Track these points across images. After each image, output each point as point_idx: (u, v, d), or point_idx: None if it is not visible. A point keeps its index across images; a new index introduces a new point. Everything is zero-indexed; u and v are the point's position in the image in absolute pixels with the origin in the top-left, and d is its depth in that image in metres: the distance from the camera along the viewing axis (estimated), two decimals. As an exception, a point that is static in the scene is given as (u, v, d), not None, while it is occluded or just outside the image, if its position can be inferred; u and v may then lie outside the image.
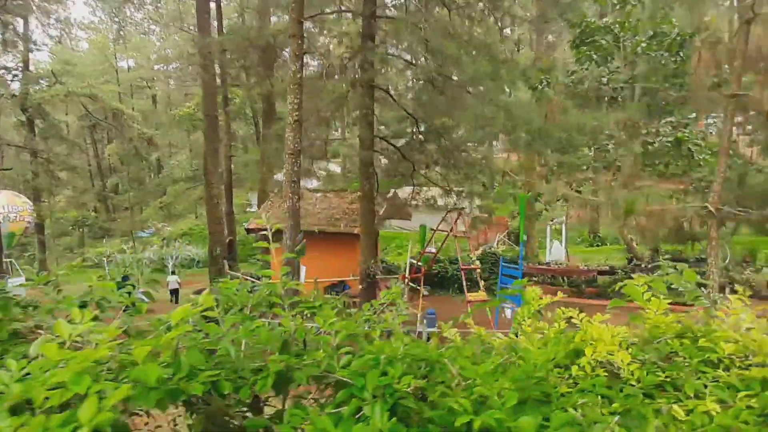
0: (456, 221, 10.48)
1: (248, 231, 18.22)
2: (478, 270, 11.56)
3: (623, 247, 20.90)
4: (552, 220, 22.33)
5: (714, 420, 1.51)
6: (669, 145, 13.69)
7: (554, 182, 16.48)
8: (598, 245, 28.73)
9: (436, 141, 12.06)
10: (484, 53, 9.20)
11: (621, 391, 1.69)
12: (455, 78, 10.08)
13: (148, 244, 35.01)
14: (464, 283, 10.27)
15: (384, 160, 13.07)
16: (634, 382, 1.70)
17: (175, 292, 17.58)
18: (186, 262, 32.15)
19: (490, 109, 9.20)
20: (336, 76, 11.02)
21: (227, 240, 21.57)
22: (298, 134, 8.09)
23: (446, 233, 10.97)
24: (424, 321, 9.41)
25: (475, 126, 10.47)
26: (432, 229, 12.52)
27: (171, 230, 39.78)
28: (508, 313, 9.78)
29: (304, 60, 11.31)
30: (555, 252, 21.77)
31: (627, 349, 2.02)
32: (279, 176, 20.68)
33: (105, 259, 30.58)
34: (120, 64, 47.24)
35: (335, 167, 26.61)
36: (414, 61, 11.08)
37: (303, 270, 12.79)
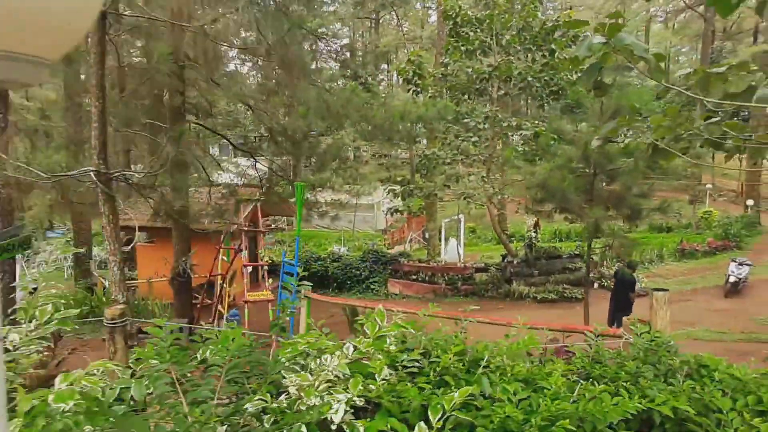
0: (254, 216, 9.73)
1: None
2: (266, 267, 10.91)
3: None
4: (449, 219, 22.04)
5: None
6: (530, 139, 13.50)
7: (434, 178, 16.07)
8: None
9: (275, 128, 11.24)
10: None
11: None
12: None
13: (53, 245, 32.42)
14: (245, 282, 9.50)
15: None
16: None
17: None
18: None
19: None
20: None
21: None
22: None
23: (257, 230, 10.22)
24: (225, 323, 8.59)
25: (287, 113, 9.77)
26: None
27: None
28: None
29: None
30: (451, 251, 21.35)
31: None
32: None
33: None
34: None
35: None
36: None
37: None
